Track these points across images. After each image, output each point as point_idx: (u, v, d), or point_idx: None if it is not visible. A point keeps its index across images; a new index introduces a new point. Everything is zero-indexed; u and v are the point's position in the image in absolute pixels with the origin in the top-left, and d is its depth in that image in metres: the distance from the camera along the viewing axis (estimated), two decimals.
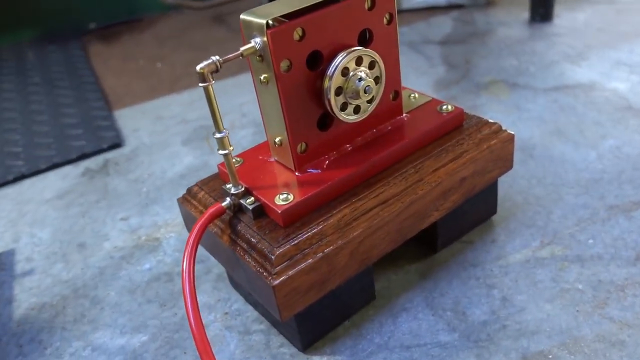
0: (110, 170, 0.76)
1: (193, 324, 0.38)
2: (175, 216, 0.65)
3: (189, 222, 0.50)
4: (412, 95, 0.53)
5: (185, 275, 0.40)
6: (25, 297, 0.57)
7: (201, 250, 0.58)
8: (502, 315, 0.47)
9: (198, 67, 0.39)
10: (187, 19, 1.28)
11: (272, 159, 0.48)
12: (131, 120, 0.88)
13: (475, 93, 0.80)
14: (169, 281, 0.56)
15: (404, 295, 0.50)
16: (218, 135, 0.41)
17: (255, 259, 0.41)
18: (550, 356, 0.43)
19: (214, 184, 0.49)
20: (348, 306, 0.48)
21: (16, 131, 0.86)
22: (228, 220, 0.45)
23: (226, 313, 0.52)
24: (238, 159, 0.48)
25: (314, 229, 0.42)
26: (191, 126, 0.84)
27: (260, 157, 0.48)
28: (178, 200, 0.50)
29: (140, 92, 0.97)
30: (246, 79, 0.95)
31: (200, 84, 0.39)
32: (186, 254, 0.41)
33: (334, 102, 0.43)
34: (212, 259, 0.58)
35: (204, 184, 0.49)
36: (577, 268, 0.50)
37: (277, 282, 0.39)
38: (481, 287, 0.50)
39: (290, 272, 0.40)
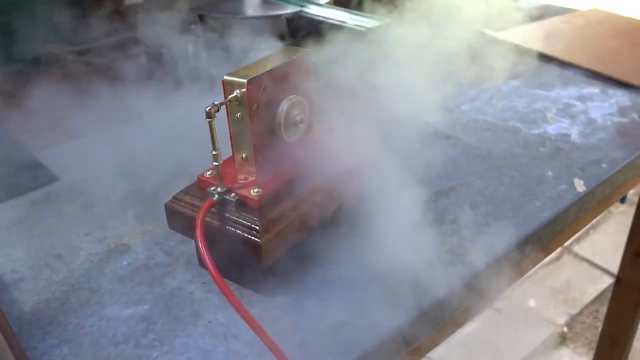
0: (55, 199, 0.90)
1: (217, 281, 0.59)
2: (133, 228, 0.83)
3: (176, 219, 0.70)
4: None
5: (203, 250, 0.61)
6: (27, 297, 0.71)
7: (169, 245, 0.78)
8: None
9: (207, 108, 0.61)
10: None
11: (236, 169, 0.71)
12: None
13: None
14: (149, 270, 0.75)
15: None
16: (214, 152, 0.64)
17: (245, 230, 0.64)
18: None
19: (194, 191, 0.70)
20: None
21: None
22: (216, 211, 0.67)
23: (203, 283, 0.72)
24: (213, 172, 0.71)
25: (276, 209, 0.66)
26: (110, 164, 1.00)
27: (227, 169, 0.71)
28: (166, 204, 0.70)
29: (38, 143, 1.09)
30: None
31: (207, 120, 0.62)
32: (198, 235, 0.62)
33: (283, 129, 0.68)
34: (177, 250, 0.77)
35: (186, 192, 0.70)
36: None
37: (262, 240, 0.63)
38: None
39: (268, 235, 0.64)
